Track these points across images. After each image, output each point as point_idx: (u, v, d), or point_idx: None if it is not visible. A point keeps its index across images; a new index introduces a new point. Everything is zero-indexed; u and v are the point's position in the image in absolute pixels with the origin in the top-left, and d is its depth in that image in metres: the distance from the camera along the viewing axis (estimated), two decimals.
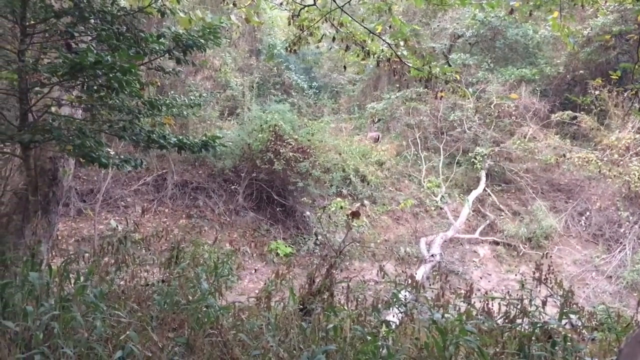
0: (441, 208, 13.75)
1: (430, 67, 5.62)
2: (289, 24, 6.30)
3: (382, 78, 19.39)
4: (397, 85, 17.55)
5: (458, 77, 6.00)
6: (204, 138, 5.58)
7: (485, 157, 14.85)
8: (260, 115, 12.53)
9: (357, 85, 20.90)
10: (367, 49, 5.82)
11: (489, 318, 3.75)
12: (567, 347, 3.42)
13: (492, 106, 15.65)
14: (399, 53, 5.60)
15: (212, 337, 3.41)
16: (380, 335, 3.36)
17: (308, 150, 12.23)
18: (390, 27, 6.15)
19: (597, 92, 14.50)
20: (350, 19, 5.67)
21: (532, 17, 11.16)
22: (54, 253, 6.06)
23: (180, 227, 11.13)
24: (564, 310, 3.88)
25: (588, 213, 13.45)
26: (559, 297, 4.20)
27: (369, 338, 3.23)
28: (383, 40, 5.73)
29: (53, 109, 5.22)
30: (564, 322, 3.99)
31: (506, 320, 3.83)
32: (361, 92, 20.45)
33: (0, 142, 4.82)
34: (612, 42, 13.74)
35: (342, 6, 5.40)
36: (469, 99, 14.87)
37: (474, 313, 3.94)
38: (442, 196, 14.07)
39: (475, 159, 14.83)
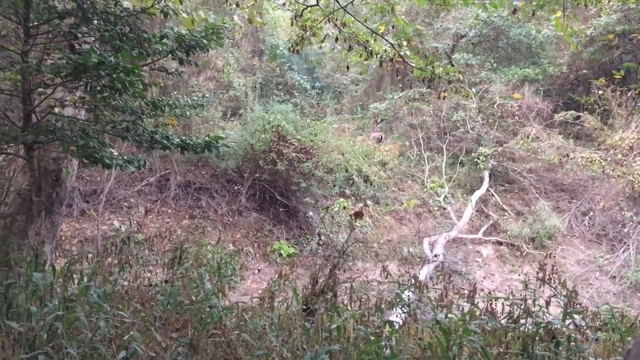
0: (444, 208, 13.73)
1: (433, 67, 5.61)
2: (292, 24, 6.30)
3: (384, 78, 19.38)
4: (400, 86, 17.55)
5: (461, 77, 5.99)
6: (206, 138, 5.59)
7: (489, 157, 14.82)
8: (263, 116, 12.53)
9: (359, 86, 20.89)
10: (370, 49, 5.82)
11: (493, 318, 3.75)
12: (570, 347, 3.41)
13: (495, 106, 15.63)
14: (401, 53, 5.60)
15: (215, 337, 3.41)
16: (383, 336, 3.36)
17: (311, 150, 12.23)
18: (393, 27, 6.15)
19: (600, 92, 14.46)
20: (353, 19, 5.67)
21: (535, 16, 11.14)
22: (57, 253, 6.08)
23: (183, 227, 11.14)
24: (568, 311, 3.87)
25: (592, 213, 13.41)
26: (562, 297, 4.19)
27: (372, 338, 3.23)
28: (386, 40, 5.73)
29: (56, 109, 5.24)
30: (567, 322, 3.98)
31: (510, 321, 3.83)
32: (364, 93, 20.44)
33: (4, 143, 4.84)
34: (616, 41, 13.70)
35: (345, 6, 5.40)
36: (472, 99, 14.87)
37: (478, 313, 3.93)
38: (445, 196, 14.05)
39: (478, 159, 14.81)
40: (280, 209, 12.31)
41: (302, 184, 11.82)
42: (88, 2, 4.69)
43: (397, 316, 5.27)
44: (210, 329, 3.47)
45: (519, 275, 10.73)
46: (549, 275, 4.51)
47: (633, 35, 10.06)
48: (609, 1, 8.49)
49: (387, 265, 7.82)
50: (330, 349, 3.06)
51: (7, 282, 3.73)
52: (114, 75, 4.29)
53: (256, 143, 12.02)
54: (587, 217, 13.41)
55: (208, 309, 3.63)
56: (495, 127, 15.47)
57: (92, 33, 4.92)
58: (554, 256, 8.81)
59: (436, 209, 13.76)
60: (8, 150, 5.28)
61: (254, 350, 3.21)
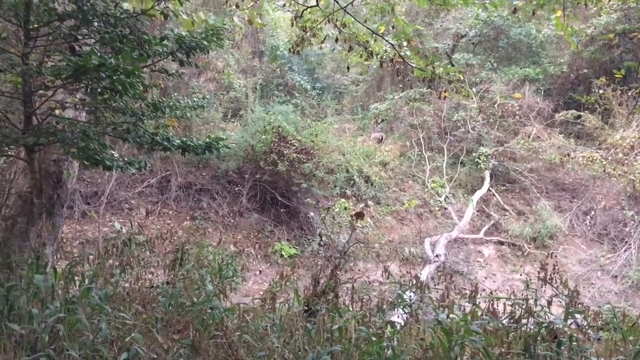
0: (445, 208, 13.72)
1: (433, 67, 5.61)
2: (292, 25, 6.30)
3: (385, 78, 19.38)
4: (401, 86, 17.54)
5: (461, 77, 5.99)
6: (207, 140, 5.59)
7: (489, 157, 14.80)
8: (264, 117, 12.54)
9: (360, 86, 20.89)
10: (370, 49, 5.82)
11: (494, 318, 3.74)
12: (572, 347, 3.40)
13: (495, 106, 15.62)
14: (402, 53, 5.60)
15: (217, 338, 3.41)
16: (385, 336, 3.35)
17: (312, 151, 12.22)
18: (393, 27, 6.14)
19: (601, 91, 14.44)
20: (353, 19, 5.67)
21: (535, 16, 11.13)
22: (58, 256, 6.08)
23: (184, 228, 11.14)
24: (570, 310, 3.86)
25: (593, 212, 13.39)
26: (564, 297, 4.18)
27: (374, 339, 3.23)
28: (386, 40, 5.72)
29: (57, 111, 5.24)
30: (569, 322, 3.98)
31: (511, 321, 3.82)
32: (364, 93, 20.44)
33: (5, 145, 4.84)
34: (616, 40, 13.69)
35: (345, 7, 5.40)
36: (472, 99, 14.85)
37: (479, 313, 3.93)
38: (446, 196, 14.04)
39: (479, 158, 14.80)
40: (281, 210, 12.31)
41: (303, 185, 11.82)
42: (88, 4, 4.69)
43: (398, 317, 5.26)
44: (212, 331, 3.47)
45: (521, 275, 10.72)
46: (551, 275, 4.51)
47: (633, 35, 10.06)
48: (609, 0, 8.48)
49: (388, 266, 7.82)
50: (332, 349, 3.06)
51: (9, 284, 3.74)
52: (115, 77, 4.29)
53: (257, 144, 12.02)
54: (588, 217, 13.39)
55: (209, 311, 3.63)
56: (496, 126, 15.46)
57: (92, 35, 4.92)
58: (556, 256, 8.81)
59: (437, 209, 13.75)
60: (9, 153, 5.29)
61: (256, 352, 3.21)
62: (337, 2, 5.44)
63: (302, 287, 5.25)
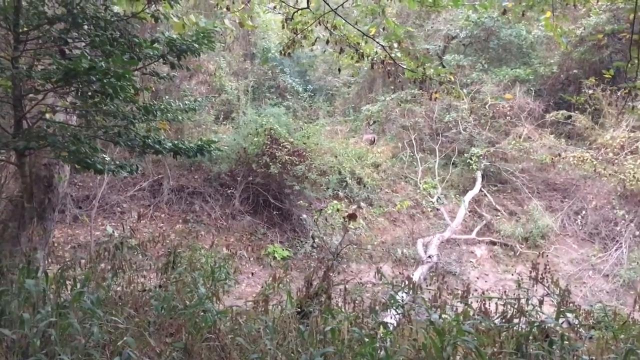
0: (438, 209, 13.76)
1: (424, 68, 5.64)
2: (283, 28, 6.31)
3: (376, 80, 19.42)
4: (392, 88, 17.58)
5: (452, 79, 6.02)
6: (199, 142, 5.58)
7: (481, 157, 14.87)
8: (256, 119, 12.54)
9: (352, 88, 20.92)
10: (361, 51, 5.84)
11: (486, 318, 3.76)
12: (564, 346, 3.42)
13: (486, 107, 15.69)
14: (392, 55, 5.62)
15: (209, 341, 3.40)
16: (378, 337, 3.36)
17: (304, 153, 12.23)
18: (384, 29, 6.17)
19: (590, 92, 14.54)
20: (343, 21, 5.69)
21: (525, 17, 11.20)
22: (50, 260, 6.05)
23: (177, 232, 11.11)
24: (561, 309, 3.89)
25: (584, 212, 13.48)
26: (555, 296, 4.21)
27: (367, 340, 3.24)
28: (376, 42, 5.75)
29: (48, 115, 5.21)
30: (561, 321, 4.00)
31: (503, 320, 3.84)
32: (356, 95, 20.47)
33: None
34: (605, 41, 13.79)
35: (336, 9, 5.41)
36: (463, 99, 14.92)
37: (471, 313, 3.94)
38: (439, 197, 14.09)
39: (471, 159, 14.86)
40: (274, 212, 12.31)
41: (295, 187, 11.82)
42: (78, 7, 4.67)
43: (391, 317, 5.27)
44: (205, 334, 3.46)
45: (512, 275, 10.77)
46: (542, 275, 4.53)
47: (622, 35, 10.13)
48: (598, 1, 8.55)
49: (381, 267, 7.84)
50: (325, 351, 3.07)
51: (0, 289, 3.71)
52: (105, 80, 4.28)
53: (249, 146, 12.01)
54: (579, 216, 13.48)
55: (202, 313, 3.62)
56: (487, 127, 15.53)
57: (82, 38, 4.91)
58: (547, 255, 8.85)
59: (429, 210, 13.79)
60: None
61: (249, 354, 3.21)
62: (328, 4, 5.45)
63: (295, 289, 5.25)
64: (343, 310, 4.31)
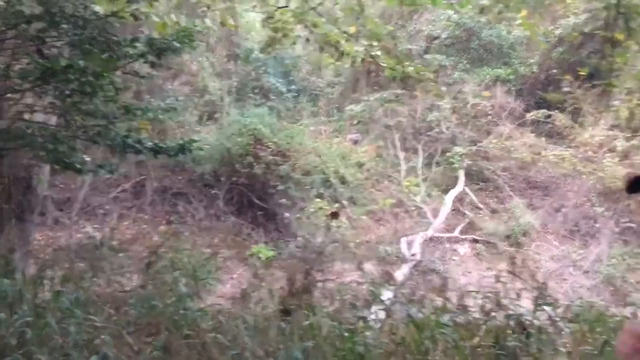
0: (421, 208, 13.83)
1: (403, 66, 5.68)
2: (263, 27, 6.31)
3: (360, 81, 19.43)
4: (376, 88, 17.63)
5: (431, 76, 6.07)
6: (180, 142, 5.58)
7: (463, 156, 14.97)
8: (239, 120, 12.54)
9: (335, 88, 20.92)
10: (342, 49, 5.86)
11: (465, 312, 3.80)
12: (541, 338, 3.48)
13: (468, 106, 15.81)
14: (372, 53, 5.66)
15: (189, 338, 3.40)
16: (358, 332, 3.38)
17: (288, 153, 12.25)
18: (364, 27, 6.18)
19: (566, 89, 14.68)
20: (323, 20, 5.71)
21: (505, 18, 11.30)
22: (30, 262, 5.98)
23: (160, 233, 11.04)
24: (539, 302, 3.95)
25: (564, 209, 13.63)
26: (533, 290, 4.27)
27: (347, 334, 3.26)
28: (356, 40, 5.78)
29: (26, 115, 5.18)
30: (543, 316, 4.06)
31: (482, 314, 3.88)
32: (340, 95, 20.46)
33: None
34: (580, 38, 13.93)
35: (316, 7, 5.44)
36: (444, 98, 15.01)
37: (450, 307, 3.98)
38: (422, 196, 14.16)
39: (453, 158, 14.94)
40: (258, 212, 12.28)
41: (279, 187, 11.82)
42: (57, 6, 4.65)
43: (375, 315, 5.30)
44: (185, 332, 3.46)
45: (494, 272, 10.86)
46: (519, 269, 4.60)
47: (597, 32, 10.28)
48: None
49: (363, 265, 7.88)
50: (304, 345, 3.08)
51: None
52: (83, 79, 4.27)
53: (233, 147, 11.99)
54: (560, 214, 13.63)
55: (182, 311, 3.61)
56: (469, 126, 15.65)
57: (61, 37, 4.88)
58: (526, 249, 8.94)
59: (413, 208, 13.85)
60: None
61: (229, 352, 3.21)
62: (307, 2, 5.47)
63: (278, 287, 5.26)
64: (324, 306, 4.33)
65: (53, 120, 5.84)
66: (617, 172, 12.63)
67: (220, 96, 15.36)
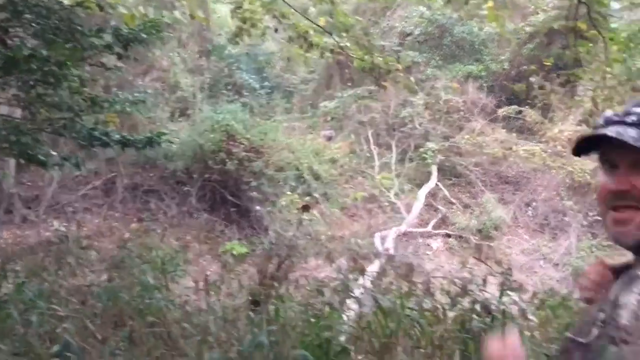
0: (394, 203, 13.91)
1: (372, 57, 5.72)
2: (232, 17, 6.27)
3: (334, 77, 19.49)
4: (349, 84, 17.69)
5: (400, 67, 6.12)
6: (148, 134, 5.52)
7: (436, 152, 15.10)
8: (212, 116, 12.44)
9: (309, 85, 20.93)
10: (310, 40, 5.86)
11: (431, 297, 3.85)
12: (506, 321, 3.54)
13: (441, 102, 15.96)
14: (342, 44, 5.68)
15: (156, 327, 3.37)
16: (324, 317, 3.40)
17: (261, 149, 12.21)
18: (331, 16, 6.18)
19: (533, 80, 14.89)
20: (292, 10, 5.71)
21: (477, 15, 11.43)
22: None
23: (131, 230, 10.89)
24: (504, 288, 4.02)
25: (534, 203, 13.88)
26: (498, 275, 4.34)
27: (313, 320, 3.27)
28: (324, 30, 5.79)
29: None
30: (510, 304, 4.13)
31: (448, 299, 3.94)
32: (314, 92, 20.47)
33: None
34: (545, 31, 14.13)
35: None
36: (416, 93, 15.12)
37: (417, 292, 4.03)
38: (395, 192, 14.24)
39: (426, 154, 15.07)
40: (232, 209, 12.20)
41: (252, 183, 11.77)
42: None
43: (347, 307, 5.32)
44: (150, 322, 3.43)
45: (466, 265, 11.00)
46: (485, 257, 4.68)
47: (564, 26, 10.47)
48: None
49: (337, 260, 7.89)
50: (269, 329, 3.08)
51: None
52: (46, 69, 4.19)
53: (205, 143, 11.90)
54: (530, 208, 13.87)
55: (147, 301, 3.58)
56: (442, 122, 15.80)
57: (24, 27, 4.78)
58: (497, 243, 9.05)
59: (386, 204, 13.92)
60: None
61: (194, 339, 3.19)
62: None
63: (248, 280, 5.25)
64: (293, 295, 4.33)
65: (18, 113, 5.73)
66: (585, 166, 12.90)
67: (192, 92, 15.23)
